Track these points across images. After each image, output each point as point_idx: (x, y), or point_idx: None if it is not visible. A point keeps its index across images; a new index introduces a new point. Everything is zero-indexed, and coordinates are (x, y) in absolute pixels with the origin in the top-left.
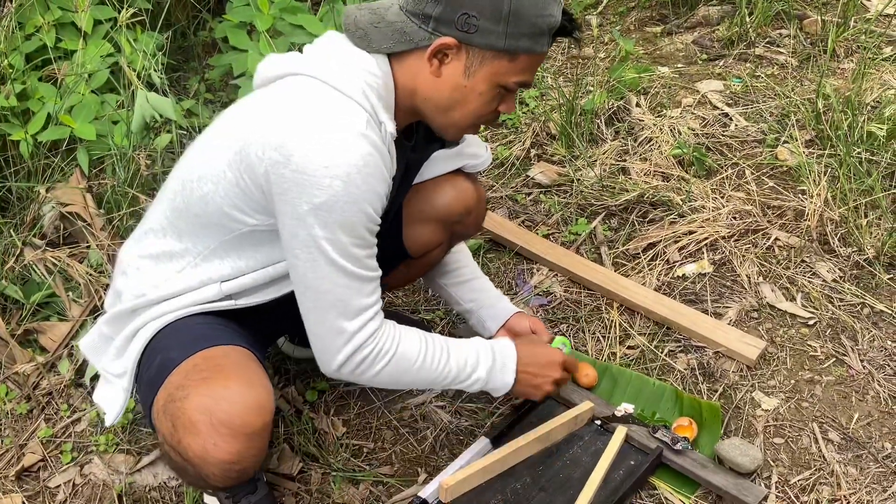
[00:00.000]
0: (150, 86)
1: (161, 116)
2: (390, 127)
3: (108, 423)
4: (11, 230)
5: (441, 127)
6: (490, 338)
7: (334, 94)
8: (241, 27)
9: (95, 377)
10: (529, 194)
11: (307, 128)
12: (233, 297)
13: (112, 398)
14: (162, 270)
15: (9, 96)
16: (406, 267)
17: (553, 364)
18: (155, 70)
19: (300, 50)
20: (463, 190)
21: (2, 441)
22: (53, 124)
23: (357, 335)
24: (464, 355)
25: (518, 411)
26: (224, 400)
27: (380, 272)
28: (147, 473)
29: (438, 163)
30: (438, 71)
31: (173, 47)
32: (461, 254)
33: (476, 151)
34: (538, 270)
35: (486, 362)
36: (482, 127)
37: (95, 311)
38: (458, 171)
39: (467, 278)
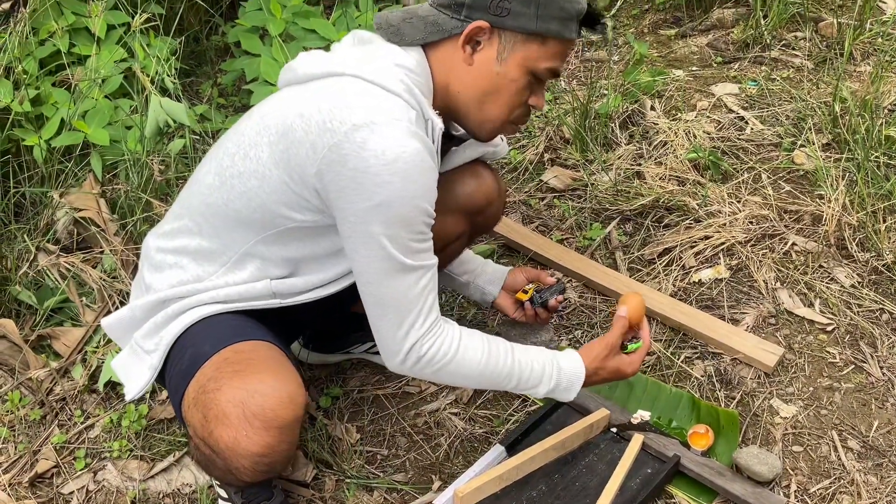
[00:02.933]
0: (164, 91)
1: (174, 122)
2: (438, 123)
3: (128, 397)
4: (25, 235)
5: (476, 124)
6: (493, 301)
7: (381, 93)
8: (254, 32)
9: (108, 383)
10: (543, 199)
11: (361, 127)
12: (278, 297)
13: (137, 373)
14: (203, 266)
15: (23, 101)
16: None
17: (624, 376)
18: (168, 75)
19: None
20: (484, 180)
21: (15, 447)
22: (67, 129)
23: (416, 332)
24: (527, 371)
25: (533, 418)
26: (257, 393)
27: (434, 261)
28: (161, 480)
29: (458, 154)
30: (471, 59)
31: (186, 52)
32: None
33: (493, 140)
34: (552, 275)
35: (549, 383)
36: (518, 127)
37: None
38: (479, 162)
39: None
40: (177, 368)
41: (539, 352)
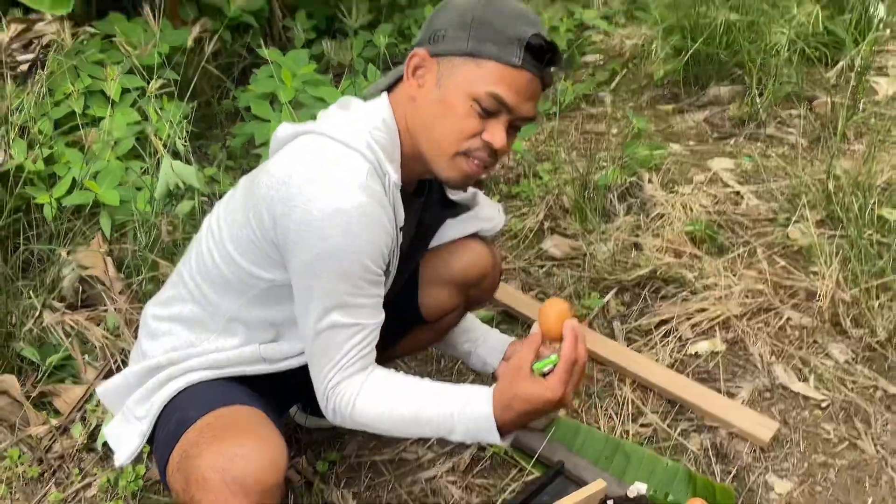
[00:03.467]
0: (175, 153)
1: (184, 183)
2: (394, 177)
3: (118, 463)
4: (31, 291)
5: (432, 159)
6: (493, 372)
7: (339, 147)
8: (264, 98)
9: (107, 443)
10: (542, 267)
11: (310, 181)
12: (267, 361)
13: (127, 438)
14: (195, 332)
15: (36, 160)
16: (420, 332)
17: (546, 403)
18: (180, 138)
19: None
20: (479, 254)
21: None
22: (78, 189)
23: (331, 384)
24: (436, 420)
25: (530, 488)
26: (238, 457)
27: (375, 321)
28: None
29: (453, 227)
30: (418, 91)
31: (197, 115)
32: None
33: (489, 214)
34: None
35: (461, 431)
36: (479, 167)
37: (110, 375)
38: (474, 236)
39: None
40: (163, 434)
41: (457, 395)
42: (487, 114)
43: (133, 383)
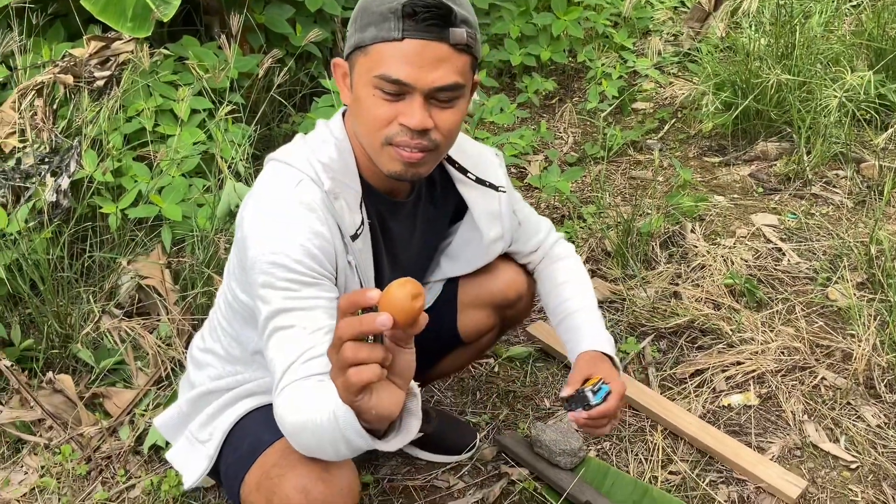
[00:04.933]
0: (237, 174)
1: None
2: (327, 185)
3: (187, 486)
4: (90, 296)
5: (372, 157)
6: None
7: (280, 167)
8: None
9: (153, 447)
10: None
11: (250, 196)
12: None
13: (195, 462)
14: (230, 364)
15: (105, 172)
16: (459, 353)
17: (352, 389)
18: (241, 160)
19: None
20: (514, 275)
21: (59, 499)
22: (143, 202)
23: (276, 392)
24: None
25: None
26: (320, 481)
27: (315, 325)
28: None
29: (477, 254)
30: (348, 97)
31: (257, 137)
32: (564, 286)
33: (497, 234)
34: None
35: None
36: (411, 151)
37: (160, 382)
38: (508, 258)
39: (562, 317)
40: (235, 457)
41: None
42: (396, 96)
43: (186, 411)
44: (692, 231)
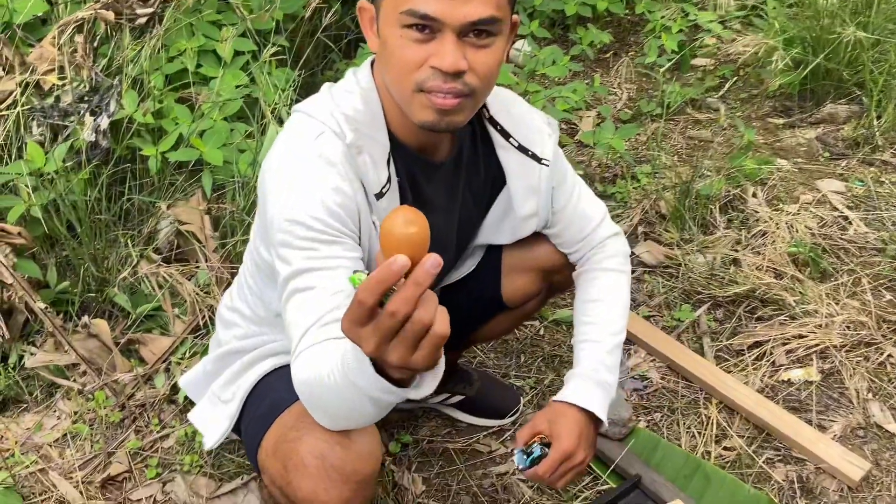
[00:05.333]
0: (279, 120)
1: None
2: (350, 138)
3: (207, 446)
4: (128, 240)
5: (403, 108)
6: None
7: (303, 118)
8: None
9: (188, 396)
10: (633, 272)
11: (270, 152)
12: None
13: (215, 422)
14: (255, 325)
15: (146, 113)
16: (501, 318)
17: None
18: (284, 105)
19: None
20: None
21: (92, 445)
22: (184, 146)
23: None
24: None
25: (604, 498)
26: (338, 444)
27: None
28: (226, 500)
29: (515, 227)
30: (376, 43)
31: (301, 83)
32: (592, 306)
33: (530, 211)
34: (636, 352)
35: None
36: (445, 97)
37: (197, 331)
38: None
39: (576, 339)
40: (254, 415)
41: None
42: (425, 36)
43: (211, 370)
44: (754, 195)
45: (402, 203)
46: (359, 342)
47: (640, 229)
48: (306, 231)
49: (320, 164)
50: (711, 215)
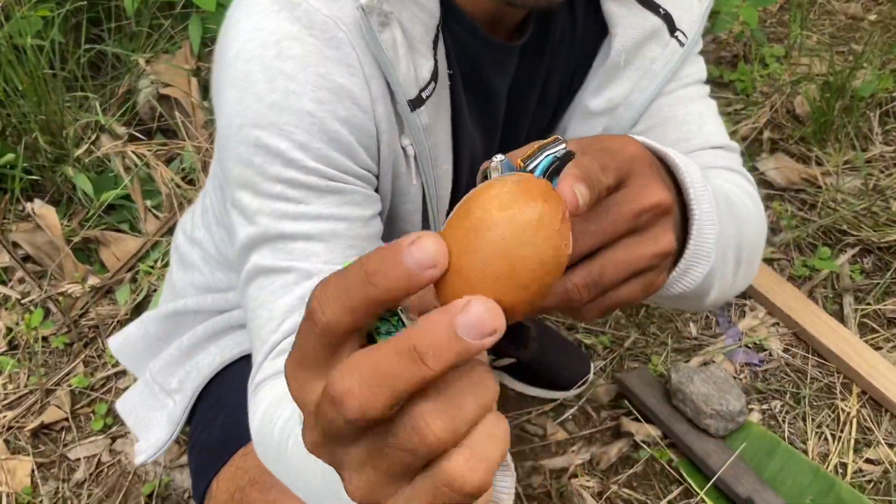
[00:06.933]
0: None
1: None
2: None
3: (138, 459)
4: (96, 103)
5: None
6: None
7: None
8: None
9: None
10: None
11: (225, 29)
12: None
13: (154, 424)
14: (225, 272)
15: None
16: None
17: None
18: None
19: None
20: None
21: (27, 377)
22: None
23: (260, 373)
24: None
25: None
26: None
27: (325, 265)
28: (188, 473)
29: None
30: None
31: None
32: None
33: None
34: (751, 310)
35: None
36: None
37: (173, 231)
38: None
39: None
40: (205, 436)
41: None
42: None
43: (155, 333)
44: None
45: (454, 115)
46: (303, 434)
47: (767, 134)
48: (283, 168)
49: (309, 43)
50: (868, 124)
